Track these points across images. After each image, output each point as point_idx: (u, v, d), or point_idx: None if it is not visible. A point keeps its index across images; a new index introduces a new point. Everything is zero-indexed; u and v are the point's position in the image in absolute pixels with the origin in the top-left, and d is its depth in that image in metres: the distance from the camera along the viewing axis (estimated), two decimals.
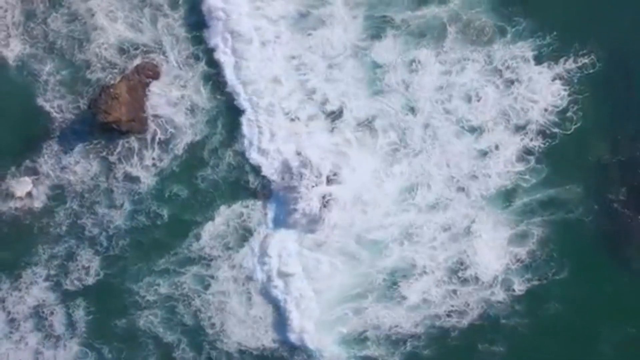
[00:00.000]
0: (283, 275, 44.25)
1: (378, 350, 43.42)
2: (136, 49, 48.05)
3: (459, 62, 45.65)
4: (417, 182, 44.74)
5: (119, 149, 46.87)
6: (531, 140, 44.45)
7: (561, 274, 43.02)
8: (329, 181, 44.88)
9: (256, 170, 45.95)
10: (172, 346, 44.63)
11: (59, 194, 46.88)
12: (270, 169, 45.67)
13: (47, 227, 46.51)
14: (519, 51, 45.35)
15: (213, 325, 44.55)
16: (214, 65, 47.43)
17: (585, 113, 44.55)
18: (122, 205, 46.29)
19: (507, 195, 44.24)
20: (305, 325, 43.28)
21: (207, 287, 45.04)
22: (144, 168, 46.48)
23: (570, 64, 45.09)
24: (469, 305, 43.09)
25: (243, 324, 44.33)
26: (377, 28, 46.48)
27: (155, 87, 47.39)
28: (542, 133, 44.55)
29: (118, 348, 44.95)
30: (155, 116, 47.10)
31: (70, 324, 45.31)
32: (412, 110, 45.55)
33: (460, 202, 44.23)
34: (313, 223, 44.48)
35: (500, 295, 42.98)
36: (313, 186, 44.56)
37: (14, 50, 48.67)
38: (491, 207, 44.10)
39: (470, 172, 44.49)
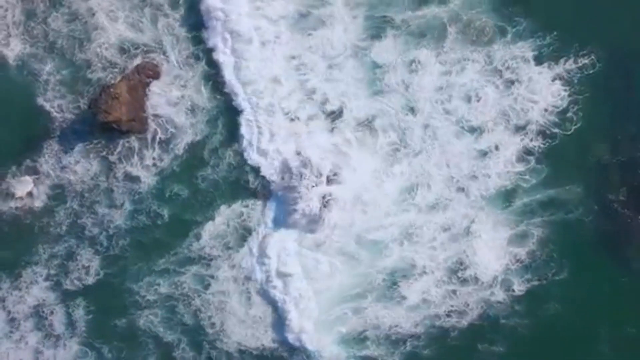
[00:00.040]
0: (282, 275, 44.29)
1: (378, 350, 43.45)
2: (136, 48, 48.02)
3: (459, 62, 45.61)
4: (417, 182, 44.74)
5: (119, 148, 46.88)
6: (531, 140, 44.43)
7: (561, 274, 43.03)
8: (329, 181, 44.88)
9: (256, 170, 46.00)
10: (172, 346, 44.68)
11: (59, 193, 46.90)
12: (269, 169, 45.68)
13: (47, 227, 46.56)
14: (519, 51, 45.31)
15: (213, 324, 44.60)
16: (214, 65, 47.39)
17: (585, 113, 44.52)
18: (122, 205, 46.33)
19: (507, 196, 44.24)
20: (304, 325, 43.31)
21: (207, 286, 45.08)
22: (144, 168, 46.49)
23: (570, 65, 45.05)
24: (468, 305, 43.12)
25: (243, 324, 44.39)
26: (377, 28, 46.44)
27: (155, 86, 47.38)
28: (542, 133, 44.53)
29: (118, 347, 45.00)
30: (156, 116, 47.10)
31: (70, 324, 45.38)
32: (412, 110, 45.53)
33: (460, 203, 44.24)
34: (313, 223, 44.48)
35: (500, 295, 43.00)
36: (313, 186, 44.55)
37: (15, 49, 48.64)
38: (491, 207, 44.12)
39: (470, 173, 44.48)
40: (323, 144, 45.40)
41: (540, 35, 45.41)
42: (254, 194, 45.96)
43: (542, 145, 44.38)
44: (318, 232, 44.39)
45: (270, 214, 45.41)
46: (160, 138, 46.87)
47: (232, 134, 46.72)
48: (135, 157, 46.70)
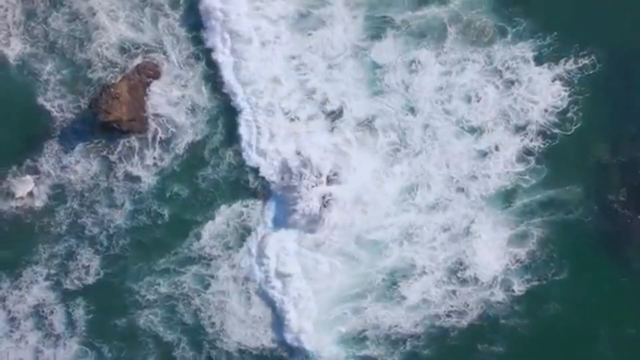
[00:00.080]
0: (281, 275, 44.37)
1: (377, 350, 43.54)
2: (137, 48, 47.95)
3: (459, 62, 45.58)
4: (417, 183, 44.78)
5: (119, 148, 46.89)
6: (531, 140, 44.44)
7: (561, 274, 43.10)
8: (329, 181, 44.91)
9: (256, 170, 46.01)
10: (172, 345, 44.82)
11: (59, 193, 46.94)
12: (269, 170, 45.71)
13: (47, 226, 46.61)
14: (519, 52, 45.27)
15: (213, 324, 44.71)
16: (215, 65, 47.33)
17: (585, 114, 44.52)
18: (122, 204, 46.37)
19: (506, 196, 44.28)
20: (304, 326, 43.42)
21: (207, 286, 45.17)
22: (145, 167, 46.50)
23: (570, 65, 45.02)
24: (468, 305, 43.21)
25: (243, 324, 44.48)
26: (377, 28, 46.39)
27: (156, 86, 47.35)
28: (542, 134, 44.54)
29: (118, 347, 45.11)
30: (156, 115, 47.09)
31: (70, 323, 45.49)
32: (412, 110, 45.52)
33: (460, 203, 44.28)
34: (313, 223, 44.52)
35: (499, 295, 43.08)
36: (313, 186, 44.59)
37: (15, 49, 48.57)
38: (491, 207, 44.15)
39: (470, 173, 44.51)
40: (323, 144, 45.40)
41: (540, 36, 45.36)
42: (254, 194, 45.99)
43: (542, 146, 44.39)
44: (318, 232, 44.43)
45: (270, 213, 45.46)
46: (160, 138, 46.87)
47: (233, 134, 46.73)
48: (136, 157, 46.70)
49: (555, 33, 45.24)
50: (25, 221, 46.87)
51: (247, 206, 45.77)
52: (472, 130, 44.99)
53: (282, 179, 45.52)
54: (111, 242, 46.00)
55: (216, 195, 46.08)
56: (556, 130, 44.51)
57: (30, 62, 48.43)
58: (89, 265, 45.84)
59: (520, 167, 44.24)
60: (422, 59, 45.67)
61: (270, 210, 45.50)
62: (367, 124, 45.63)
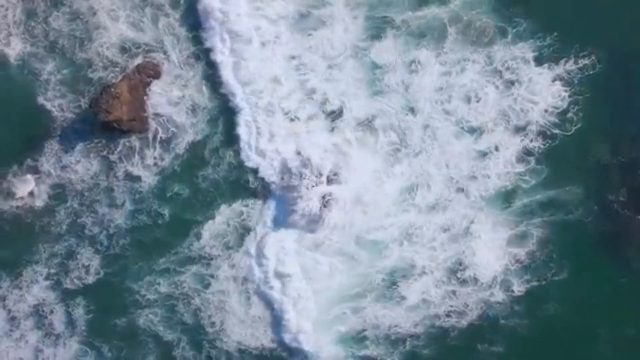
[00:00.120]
0: (280, 275, 44.41)
1: (377, 350, 43.58)
2: (137, 48, 47.93)
3: (459, 62, 45.57)
4: (417, 183, 44.79)
5: (119, 148, 46.91)
6: (531, 141, 44.44)
7: (561, 274, 43.12)
8: (329, 181, 44.95)
9: (256, 170, 45.98)
10: (172, 345, 44.85)
11: (59, 192, 46.97)
12: (269, 170, 45.72)
13: (47, 226, 46.64)
14: (520, 52, 45.26)
15: (213, 324, 44.76)
16: (215, 65, 47.36)
17: (585, 114, 44.52)
18: (123, 204, 46.39)
19: (506, 196, 44.29)
20: (303, 326, 43.48)
21: (207, 286, 45.20)
22: (145, 167, 46.52)
23: (570, 65, 45.01)
24: (468, 305, 43.25)
25: (242, 324, 44.52)
26: (377, 28, 46.37)
27: (156, 86, 47.36)
28: (542, 134, 44.54)
29: (118, 346, 45.15)
30: (156, 115, 47.09)
31: (70, 323, 45.54)
32: (412, 110, 45.52)
33: (459, 203, 44.30)
34: (313, 223, 44.55)
35: (499, 296, 43.11)
36: (313, 186, 44.64)
37: (15, 49, 48.57)
38: (490, 207, 44.16)
39: (469, 173, 44.53)
40: (323, 144, 45.43)
41: (540, 36, 45.35)
42: (254, 194, 46.01)
43: (542, 146, 44.39)
44: (318, 232, 44.44)
45: (269, 213, 45.48)
46: (161, 137, 46.88)
47: (233, 134, 46.72)
48: (136, 157, 46.72)
49: (555, 33, 45.24)
50: (26, 220, 46.91)
51: (247, 206, 45.80)
52: (472, 130, 44.99)
53: (282, 178, 45.54)
54: (111, 241, 46.03)
55: (216, 195, 46.10)
56: (556, 131, 44.51)
57: (31, 61, 48.44)
58: (89, 265, 45.89)
59: (520, 168, 44.24)
60: (422, 59, 45.67)
61: (270, 210, 45.53)
62: (367, 124, 45.64)
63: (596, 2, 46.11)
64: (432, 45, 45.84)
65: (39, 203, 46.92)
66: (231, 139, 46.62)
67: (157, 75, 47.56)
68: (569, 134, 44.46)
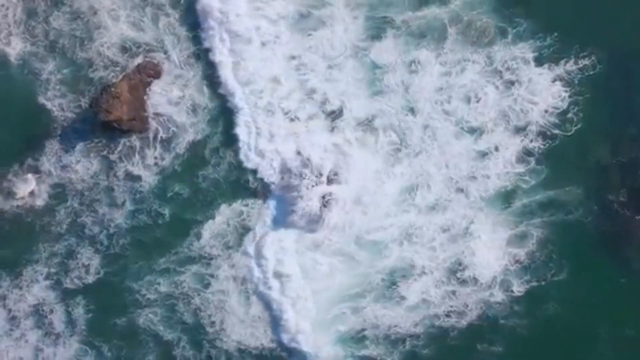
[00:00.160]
0: (279, 275, 44.44)
1: (377, 350, 43.63)
2: (138, 47, 47.86)
3: (459, 63, 45.52)
4: (417, 183, 44.79)
5: (120, 147, 46.90)
6: (531, 141, 44.42)
7: (560, 275, 43.14)
8: (329, 181, 44.94)
9: (256, 170, 45.97)
10: (172, 344, 44.91)
11: (60, 192, 46.98)
12: (268, 170, 45.73)
13: (48, 225, 46.66)
14: (520, 52, 45.21)
15: (213, 323, 44.81)
16: (215, 64, 47.33)
17: (585, 114, 44.50)
18: (123, 203, 46.40)
19: (506, 196, 44.30)
20: (302, 326, 43.53)
21: (207, 286, 45.24)
22: (146, 167, 46.52)
23: (570, 66, 44.97)
24: (467, 306, 43.30)
25: (242, 323, 44.57)
26: (377, 29, 46.30)
27: (156, 86, 47.34)
28: (542, 134, 44.53)
29: (118, 346, 45.20)
30: (157, 115, 47.06)
31: (70, 322, 45.60)
32: (412, 110, 45.49)
33: (459, 203, 44.31)
34: (313, 223, 44.56)
35: (499, 296, 43.15)
36: (313, 186, 44.63)
37: (16, 48, 48.52)
38: (490, 208, 44.17)
39: (469, 173, 44.53)
40: (323, 144, 45.43)
41: (540, 37, 45.30)
42: (254, 194, 46.03)
43: (542, 146, 44.38)
44: (318, 232, 44.45)
45: (269, 213, 45.49)
46: (161, 137, 46.88)
47: (234, 134, 46.65)
48: (136, 156, 46.72)
49: (555, 34, 45.19)
50: (26, 220, 46.94)
51: (247, 205, 45.82)
52: (472, 130, 44.98)
53: (282, 178, 45.55)
54: (111, 241, 46.06)
55: (216, 195, 46.12)
56: (556, 131, 44.50)
57: (31, 61, 48.40)
58: (89, 264, 45.93)
59: (520, 168, 44.25)
60: (422, 59, 45.62)
61: (270, 209, 45.55)
62: (367, 124, 45.63)
63: (596, 3, 46.06)
64: (432, 46, 45.78)
65: (39, 202, 46.94)
66: (232, 138, 46.62)
67: (157, 75, 47.55)
68: (569, 134, 44.45)
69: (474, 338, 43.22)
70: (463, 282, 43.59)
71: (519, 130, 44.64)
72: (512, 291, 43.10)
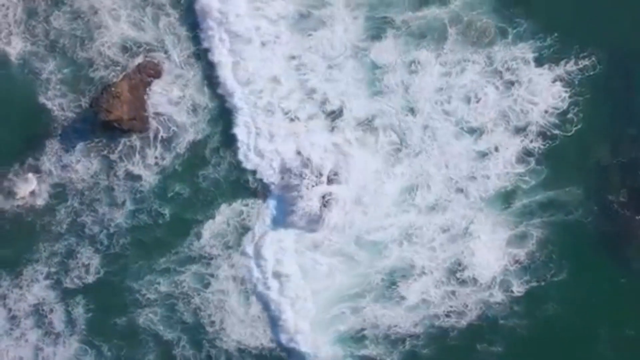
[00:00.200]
0: (278, 275, 44.45)
1: (376, 350, 43.67)
2: (138, 47, 47.87)
3: (459, 63, 45.51)
4: (417, 183, 44.81)
5: (120, 147, 46.92)
6: (531, 141, 44.43)
7: (560, 275, 43.16)
8: (329, 181, 44.94)
9: (255, 170, 46.00)
10: (172, 344, 44.96)
11: (60, 192, 47.01)
12: (268, 170, 45.75)
13: (48, 225, 46.70)
14: (520, 53, 45.19)
15: (213, 323, 44.85)
16: (215, 64, 47.29)
17: (585, 115, 44.50)
18: (123, 203, 46.43)
19: (506, 197, 44.30)
20: (300, 326, 43.57)
21: (207, 285, 45.28)
22: (146, 166, 46.54)
23: (571, 66, 44.95)
24: (467, 306, 43.34)
25: (242, 323, 44.61)
26: (377, 29, 46.29)
27: (156, 86, 47.35)
28: (542, 134, 44.52)
29: (118, 345, 45.25)
30: (157, 115, 47.07)
31: (70, 322, 45.66)
32: (412, 111, 45.49)
33: (459, 203, 44.33)
34: (313, 223, 44.58)
35: (498, 296, 43.18)
36: (313, 186, 44.64)
37: (16, 48, 48.52)
38: (490, 208, 44.18)
39: (469, 174, 44.55)
40: (323, 144, 45.43)
41: (540, 37, 45.29)
42: (254, 193, 46.05)
43: (542, 147, 44.39)
44: (318, 232, 44.46)
45: (269, 213, 45.51)
46: (161, 137, 46.90)
47: (234, 134, 46.65)
48: (137, 156, 46.74)
49: (555, 34, 45.17)
50: (26, 219, 46.97)
51: (247, 205, 45.84)
52: (472, 131, 44.98)
53: (282, 178, 45.55)
54: (111, 240, 46.10)
55: (217, 195, 46.14)
56: (556, 131, 44.50)
57: (32, 60, 48.41)
58: (89, 264, 45.96)
59: (520, 168, 44.25)
60: (422, 59, 45.61)
61: (270, 209, 45.56)
62: (367, 124, 45.63)
63: (596, 3, 46.04)
64: (432, 46, 45.77)
65: (39, 202, 46.97)
66: (232, 138, 46.62)
67: (157, 74, 47.56)
68: (569, 134, 44.45)
69: (474, 338, 43.25)
70: (463, 282, 43.61)
71: (519, 130, 44.64)
72: (512, 291, 43.13)
